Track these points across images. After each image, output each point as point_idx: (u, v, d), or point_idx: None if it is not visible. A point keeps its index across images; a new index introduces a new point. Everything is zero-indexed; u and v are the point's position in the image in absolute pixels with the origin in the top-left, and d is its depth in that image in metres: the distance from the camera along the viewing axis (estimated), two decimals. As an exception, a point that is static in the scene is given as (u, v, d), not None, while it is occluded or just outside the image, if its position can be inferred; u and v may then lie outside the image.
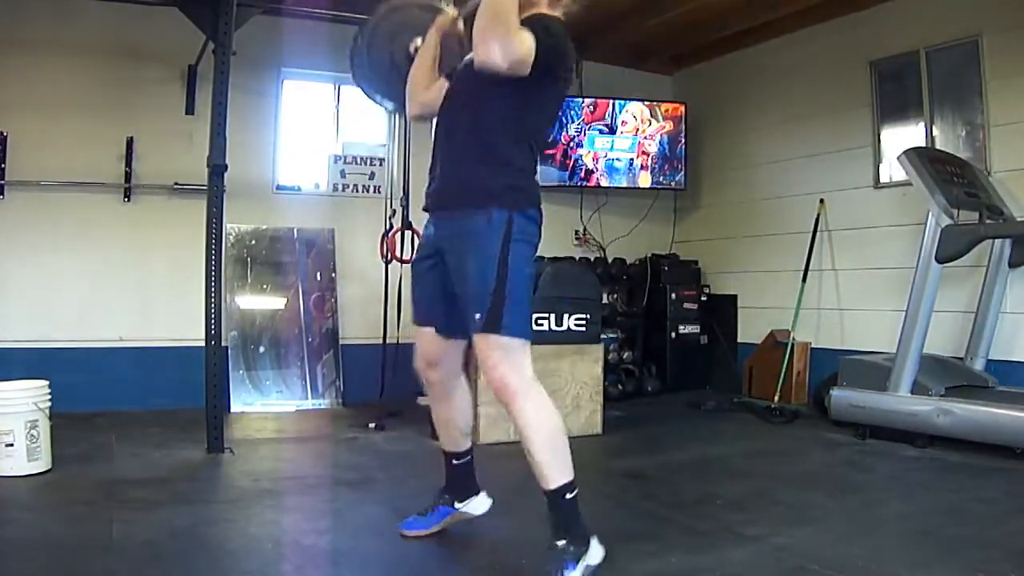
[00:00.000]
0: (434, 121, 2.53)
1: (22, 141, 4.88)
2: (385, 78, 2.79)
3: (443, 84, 2.52)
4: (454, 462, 2.66)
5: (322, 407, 5.37)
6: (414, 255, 2.60)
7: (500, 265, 2.21)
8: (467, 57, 2.44)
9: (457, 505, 2.66)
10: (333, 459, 4.00)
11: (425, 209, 2.47)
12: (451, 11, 2.58)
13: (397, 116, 5.18)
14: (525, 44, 2.10)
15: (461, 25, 2.57)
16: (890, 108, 5.32)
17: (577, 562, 2.16)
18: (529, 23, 2.15)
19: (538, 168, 2.43)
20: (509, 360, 2.20)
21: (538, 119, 2.37)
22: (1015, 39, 4.55)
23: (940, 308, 4.35)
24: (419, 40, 2.65)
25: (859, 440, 4.34)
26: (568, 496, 2.20)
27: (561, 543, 2.18)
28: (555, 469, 2.19)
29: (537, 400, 2.21)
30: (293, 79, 5.80)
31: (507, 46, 2.06)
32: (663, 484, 3.55)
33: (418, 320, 2.53)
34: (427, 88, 2.54)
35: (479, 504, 2.68)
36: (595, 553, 2.22)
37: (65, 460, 3.55)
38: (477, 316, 2.21)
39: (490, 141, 2.28)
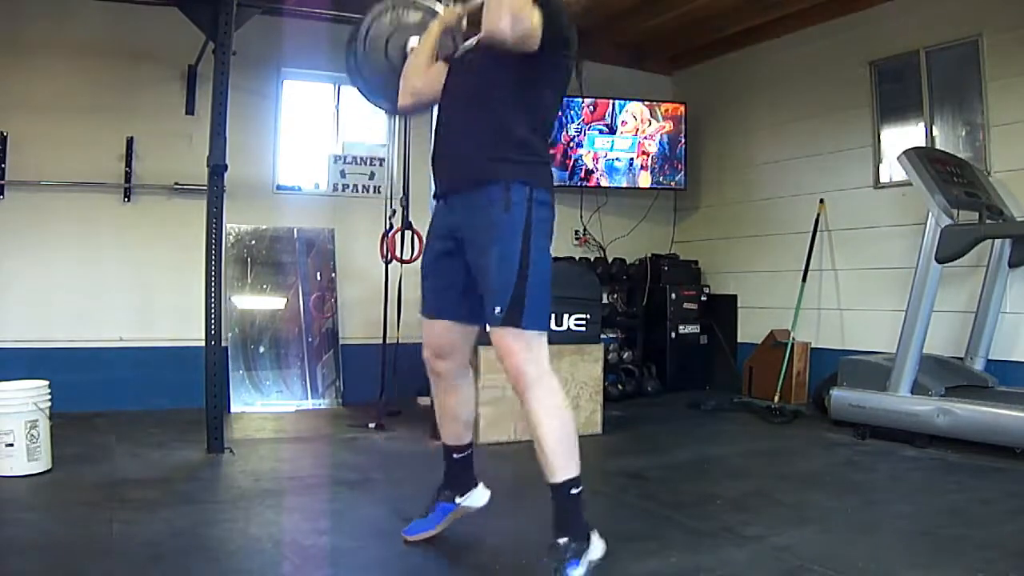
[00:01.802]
0: (435, 110, 2.52)
1: (22, 141, 4.89)
2: (381, 77, 2.77)
3: (437, 72, 2.50)
4: (454, 456, 2.64)
5: (322, 407, 5.37)
6: (425, 244, 2.57)
7: (522, 258, 2.20)
8: (466, 43, 2.45)
9: (458, 500, 2.64)
10: (333, 459, 4.00)
11: (436, 196, 2.45)
12: (456, 8, 2.57)
13: (396, 116, 5.18)
14: (534, 18, 2.11)
15: (464, 23, 2.57)
16: (890, 108, 5.33)
17: (580, 559, 2.16)
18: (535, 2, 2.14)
19: (550, 153, 2.42)
20: (527, 351, 2.20)
21: (543, 100, 2.35)
22: (1015, 39, 4.55)
23: (940, 308, 4.35)
24: (415, 40, 2.63)
25: (859, 440, 4.34)
26: (573, 491, 2.20)
27: (563, 540, 2.17)
28: (562, 462, 2.20)
29: (551, 391, 2.22)
30: (293, 79, 5.80)
31: (518, 17, 2.06)
32: (663, 484, 3.54)
33: (429, 312, 2.51)
34: (419, 75, 2.51)
35: (479, 496, 2.67)
36: (597, 548, 2.22)
37: (65, 460, 3.55)
38: (496, 309, 2.20)
39: (499, 117, 2.27)
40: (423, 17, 2.73)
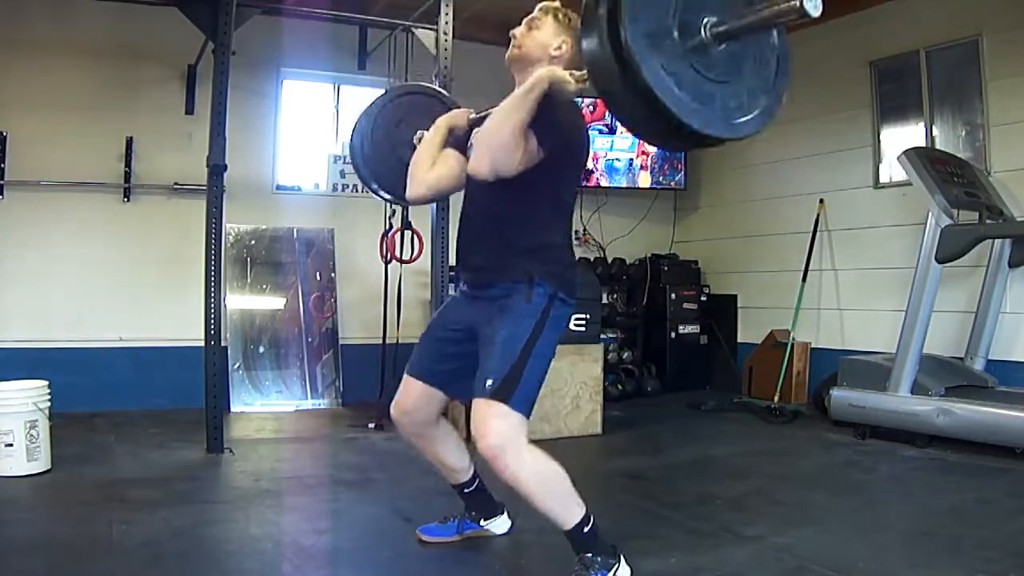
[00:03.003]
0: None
1: (22, 141, 4.88)
2: (384, 164, 2.79)
3: (449, 161, 2.50)
4: (465, 491, 2.68)
5: (321, 407, 5.37)
6: (440, 310, 2.56)
7: (528, 343, 2.20)
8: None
9: (483, 523, 2.70)
10: (332, 459, 4.00)
11: (461, 283, 2.47)
12: (465, 112, 2.58)
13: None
14: (513, 164, 2.14)
15: (471, 128, 2.54)
16: (890, 108, 5.33)
17: (609, 571, 2.20)
18: (536, 123, 2.15)
19: (573, 244, 2.44)
20: (507, 431, 2.14)
21: (560, 195, 2.37)
22: (1015, 39, 4.55)
23: (940, 308, 4.35)
24: (422, 132, 2.64)
25: (859, 440, 4.34)
26: (586, 530, 2.22)
27: (589, 555, 2.21)
28: (565, 513, 2.21)
29: (528, 461, 2.16)
30: (293, 79, 5.80)
31: (497, 166, 2.13)
32: (663, 484, 3.55)
33: (415, 372, 2.49)
34: (431, 168, 2.50)
35: (501, 524, 2.72)
36: (624, 570, 2.25)
37: (65, 460, 3.55)
38: (489, 382, 2.17)
39: (522, 219, 2.29)
40: (435, 105, 2.76)
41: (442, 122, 2.56)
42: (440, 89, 2.74)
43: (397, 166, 2.69)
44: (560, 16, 2.36)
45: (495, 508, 2.71)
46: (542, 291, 2.25)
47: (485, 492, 2.70)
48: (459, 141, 2.52)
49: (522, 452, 2.15)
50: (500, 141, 2.12)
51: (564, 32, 2.34)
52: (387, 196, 2.93)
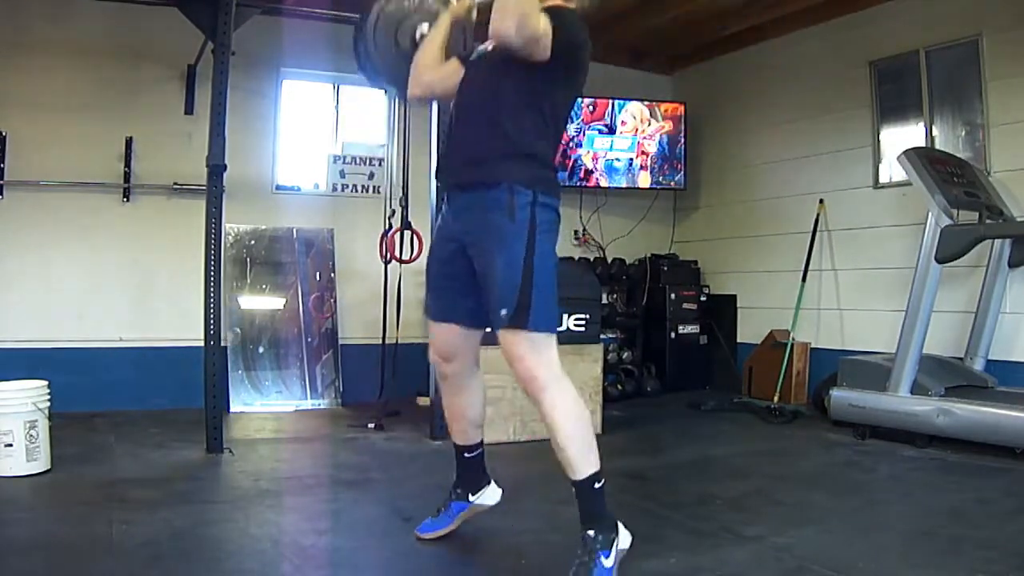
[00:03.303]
0: (450, 105, 2.53)
1: (22, 141, 4.88)
2: (390, 62, 2.77)
3: (450, 70, 2.52)
4: (466, 455, 2.66)
5: (321, 407, 5.37)
6: (430, 249, 2.59)
7: (526, 261, 2.22)
8: (482, 47, 2.45)
9: (471, 498, 2.67)
10: (332, 459, 3.99)
11: (439, 189, 2.49)
12: (466, 1, 2.58)
13: (397, 105, 5.16)
14: (540, 25, 2.14)
15: (475, 14, 2.56)
16: (890, 108, 5.32)
17: (609, 549, 2.20)
18: (545, 11, 2.18)
19: (557, 158, 2.45)
20: (536, 353, 2.20)
21: (556, 106, 2.37)
22: (1015, 39, 4.55)
23: (940, 308, 4.35)
24: (425, 26, 2.64)
25: (859, 440, 4.34)
26: (596, 485, 2.23)
27: (591, 532, 2.20)
28: (583, 460, 2.22)
29: (565, 392, 2.23)
30: (292, 79, 5.80)
31: (523, 22, 2.10)
32: (663, 484, 3.54)
33: (434, 315, 2.52)
34: (433, 69, 2.53)
35: (491, 494, 2.70)
36: (624, 537, 2.26)
37: (64, 460, 3.55)
38: (503, 312, 2.20)
39: (509, 121, 2.29)
40: (435, 3, 2.73)
41: (444, 15, 2.57)
42: None
43: (402, 63, 2.68)
44: None
45: (483, 479, 2.69)
46: (522, 200, 2.24)
47: (482, 461, 2.68)
48: (461, 44, 2.53)
49: (560, 376, 2.22)
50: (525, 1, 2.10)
51: None
52: (394, 90, 2.91)
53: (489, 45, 2.38)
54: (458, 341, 2.50)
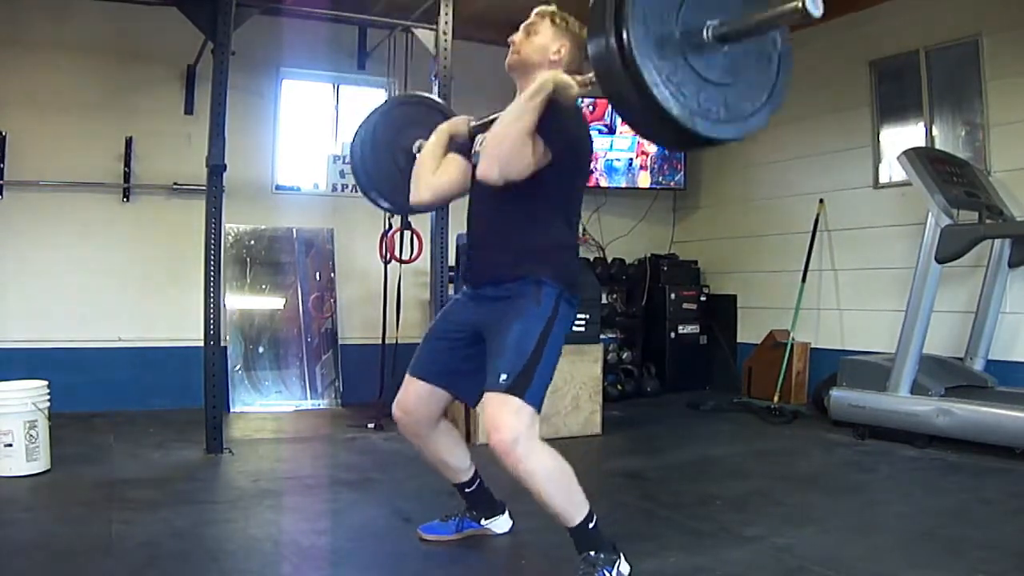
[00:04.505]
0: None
1: (21, 141, 4.88)
2: (384, 173, 2.81)
3: (452, 164, 2.51)
4: (466, 491, 2.69)
5: (321, 407, 5.37)
6: (440, 317, 2.57)
7: (541, 339, 2.23)
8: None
9: (483, 522, 2.71)
10: (332, 459, 3.99)
11: (465, 282, 2.49)
12: (465, 120, 2.58)
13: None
14: (523, 168, 2.17)
15: (471, 135, 2.54)
16: (890, 108, 5.32)
17: (613, 567, 2.22)
18: (541, 127, 2.17)
19: (579, 248, 2.49)
20: (519, 425, 2.16)
21: (570, 200, 2.41)
22: (1015, 39, 4.55)
23: (940, 308, 4.35)
24: (421, 141, 2.65)
25: (859, 440, 4.34)
26: (590, 526, 2.24)
27: (592, 553, 2.23)
28: (571, 510, 2.23)
29: (539, 455, 2.19)
30: (292, 79, 5.80)
31: (507, 169, 2.16)
32: (662, 484, 3.54)
33: (418, 372, 2.50)
34: (437, 173, 2.51)
35: (502, 524, 2.73)
36: (625, 566, 2.27)
37: (64, 460, 3.55)
38: (503, 376, 2.18)
39: (529, 218, 2.31)
40: (434, 116, 2.76)
41: (443, 128, 2.57)
42: (439, 100, 2.75)
43: (396, 175, 2.72)
44: (557, 20, 2.39)
45: (496, 507, 2.72)
46: (549, 292, 2.27)
47: (486, 492, 2.71)
48: (461, 148, 2.53)
49: (535, 447, 2.18)
50: (508, 146, 2.14)
51: (562, 36, 2.38)
52: (386, 205, 2.95)
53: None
54: (427, 400, 2.49)
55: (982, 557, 2.47)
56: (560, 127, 2.22)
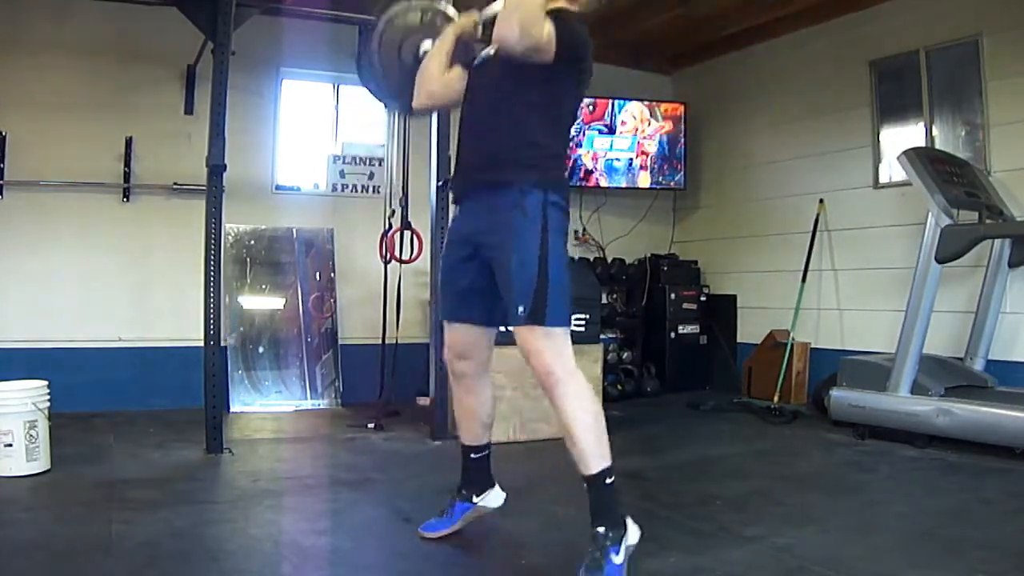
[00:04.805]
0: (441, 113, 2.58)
1: (21, 141, 4.88)
2: (394, 78, 2.79)
3: (454, 77, 2.56)
4: (472, 455, 2.68)
5: (321, 407, 5.37)
6: (444, 249, 2.63)
7: (541, 260, 2.27)
8: (486, 51, 2.48)
9: (475, 500, 2.69)
10: (332, 459, 3.99)
11: (454, 200, 2.55)
12: (472, 15, 2.61)
13: (398, 115, 5.17)
14: (544, 32, 2.18)
15: (480, 31, 2.59)
16: (890, 108, 5.32)
17: (619, 545, 2.22)
18: (549, 14, 2.22)
19: (569, 157, 2.50)
20: (552, 349, 2.25)
21: (562, 107, 2.42)
22: (1015, 39, 4.55)
23: (940, 308, 4.35)
24: (428, 43, 2.67)
25: (859, 440, 4.34)
26: (608, 480, 2.25)
27: (601, 530, 2.22)
28: (595, 455, 2.24)
29: (579, 387, 2.26)
30: (292, 79, 5.79)
31: (526, 29, 2.14)
32: (662, 484, 3.54)
33: (448, 315, 2.57)
34: (437, 80, 2.57)
35: (495, 497, 2.72)
36: (633, 533, 2.28)
37: (64, 460, 3.55)
38: (520, 309, 2.26)
39: (517, 124, 2.35)
40: (436, 19, 2.75)
41: (449, 30, 2.60)
42: (444, 7, 2.74)
43: (406, 79, 2.71)
44: None
45: (488, 481, 2.71)
46: (534, 200, 2.31)
47: (488, 463, 2.71)
48: (465, 55, 2.56)
49: (574, 371, 2.26)
50: (527, 9, 2.14)
51: None
52: (397, 106, 2.93)
53: (491, 49, 2.41)
54: (472, 339, 2.56)
55: (982, 557, 2.47)
56: (566, 17, 2.27)
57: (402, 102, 2.78)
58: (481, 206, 2.41)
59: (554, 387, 2.24)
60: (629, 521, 2.28)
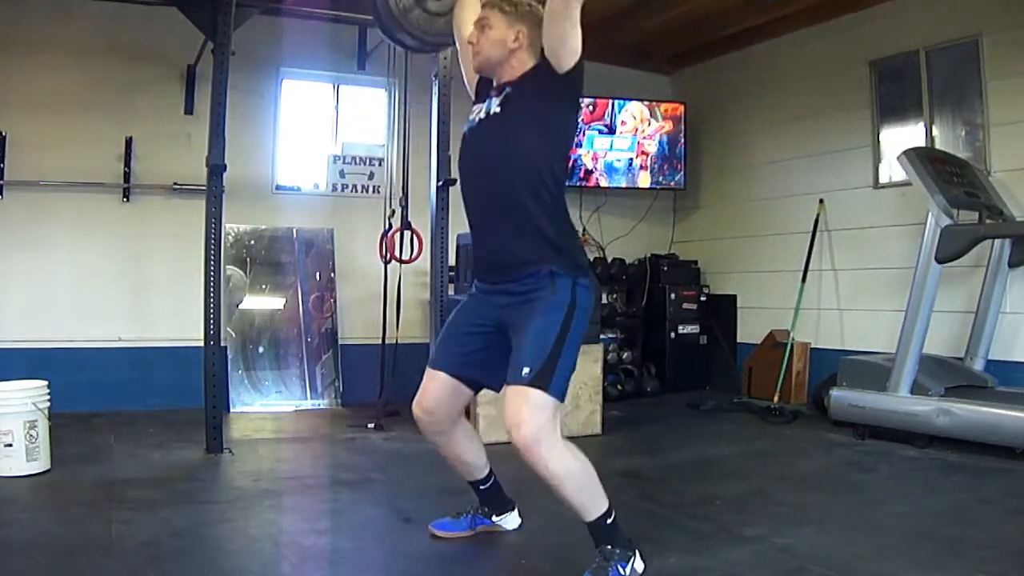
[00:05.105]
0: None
1: (21, 141, 4.88)
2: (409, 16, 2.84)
3: (470, 10, 2.56)
4: (480, 487, 2.69)
5: (321, 407, 5.37)
6: (457, 311, 2.53)
7: (561, 333, 2.21)
8: (480, 111, 2.42)
9: (494, 518, 2.72)
10: (332, 459, 3.99)
11: (477, 279, 2.48)
12: None
13: (397, 105, 5.15)
14: (578, 10, 2.18)
15: None
16: (890, 108, 5.32)
17: (628, 563, 2.23)
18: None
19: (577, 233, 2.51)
20: (542, 419, 2.15)
21: (560, 149, 2.39)
22: (1015, 39, 4.54)
23: (940, 308, 4.35)
24: None
25: (859, 440, 4.34)
26: (608, 521, 2.25)
27: (609, 547, 2.23)
28: (590, 505, 2.24)
29: (560, 455, 2.18)
30: (292, 79, 5.79)
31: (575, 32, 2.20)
32: (662, 484, 3.54)
33: (438, 365, 2.47)
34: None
35: (512, 520, 2.74)
36: (640, 564, 2.28)
37: (64, 460, 3.55)
38: (526, 370, 2.17)
39: (526, 198, 2.28)
40: None
41: None
42: None
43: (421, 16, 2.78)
44: (507, 8, 2.36)
45: (507, 504, 2.73)
46: (564, 283, 2.26)
47: (499, 488, 2.71)
48: None
49: (556, 446, 2.17)
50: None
51: (516, 21, 2.35)
52: (411, 43, 2.96)
53: (496, 106, 2.35)
54: (448, 395, 2.46)
55: (982, 557, 2.47)
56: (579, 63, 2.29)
57: (416, 41, 2.87)
58: (509, 290, 2.33)
59: (535, 461, 2.13)
60: (637, 553, 2.28)
